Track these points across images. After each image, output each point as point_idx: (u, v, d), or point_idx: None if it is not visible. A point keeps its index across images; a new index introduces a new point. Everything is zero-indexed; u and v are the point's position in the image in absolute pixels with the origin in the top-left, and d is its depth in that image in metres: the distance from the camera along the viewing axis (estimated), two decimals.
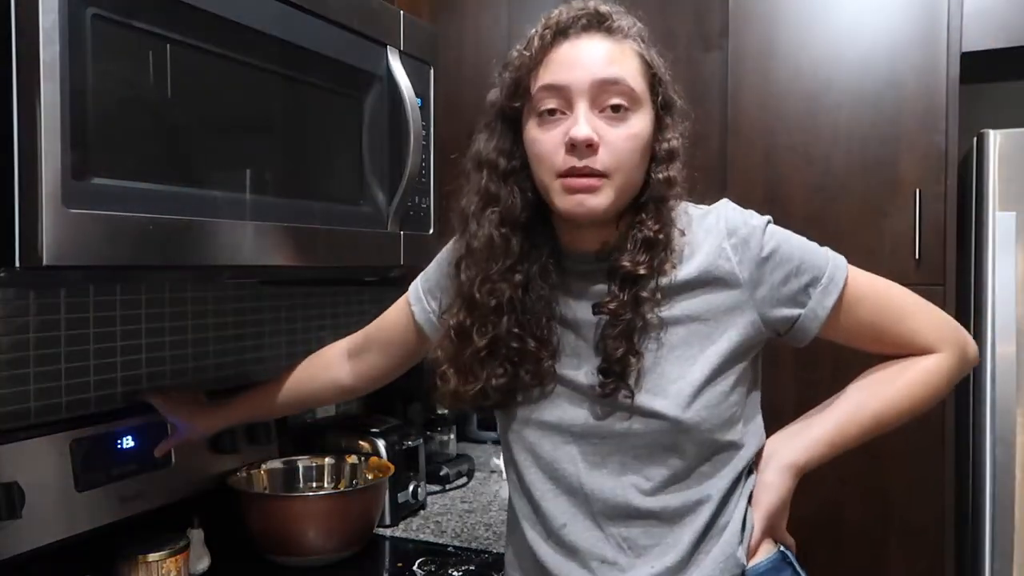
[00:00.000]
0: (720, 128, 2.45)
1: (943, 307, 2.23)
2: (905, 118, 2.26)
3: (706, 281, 1.20)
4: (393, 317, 1.58)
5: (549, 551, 1.29)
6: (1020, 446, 2.14)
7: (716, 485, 1.23)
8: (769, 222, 1.24)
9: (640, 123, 1.20)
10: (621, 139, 1.17)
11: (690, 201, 1.30)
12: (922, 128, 2.23)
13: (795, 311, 1.23)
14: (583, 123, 1.16)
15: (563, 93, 1.18)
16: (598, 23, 1.21)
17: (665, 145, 1.23)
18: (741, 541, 1.23)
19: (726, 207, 1.26)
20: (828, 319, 1.24)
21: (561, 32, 1.20)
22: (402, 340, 1.56)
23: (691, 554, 1.21)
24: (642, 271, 1.18)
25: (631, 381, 1.18)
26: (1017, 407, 2.13)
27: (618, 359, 1.18)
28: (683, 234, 1.22)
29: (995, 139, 2.14)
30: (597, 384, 1.20)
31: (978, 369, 2.14)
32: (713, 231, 1.22)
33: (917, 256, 2.18)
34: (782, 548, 1.29)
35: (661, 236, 1.20)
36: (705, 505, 1.22)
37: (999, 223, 2.13)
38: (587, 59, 1.18)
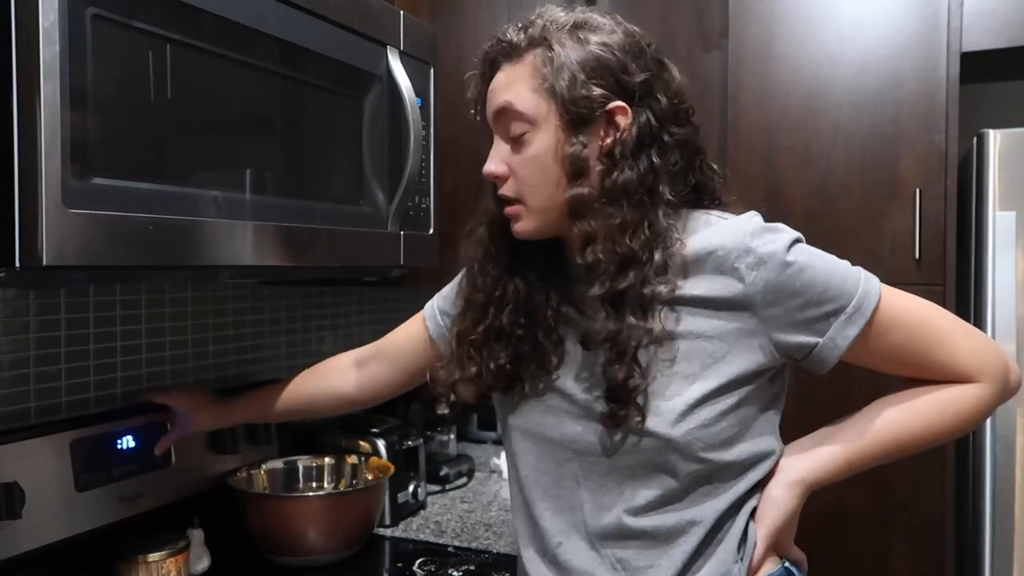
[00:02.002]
0: (720, 128, 2.45)
1: (943, 307, 2.24)
2: (905, 118, 2.26)
3: (714, 300, 1.15)
4: (407, 332, 1.60)
5: (545, 571, 1.28)
6: (1020, 446, 2.14)
7: (712, 506, 1.19)
8: (797, 241, 1.17)
9: (540, 142, 1.19)
10: (522, 165, 1.21)
11: (712, 207, 1.27)
12: (922, 128, 2.23)
13: (812, 339, 1.16)
14: (489, 159, 1.24)
15: (489, 129, 1.26)
16: (504, 54, 1.23)
17: (567, 156, 1.17)
18: (738, 559, 1.19)
19: (749, 221, 1.18)
20: (849, 349, 1.16)
21: (489, 66, 1.25)
22: (414, 355, 1.56)
23: (682, 574, 1.19)
24: (597, 291, 1.16)
25: (640, 403, 1.14)
26: (1017, 407, 2.13)
27: (620, 384, 1.14)
28: (670, 246, 1.16)
29: (995, 139, 2.14)
30: (607, 412, 1.17)
31: None
32: (728, 246, 1.15)
33: (917, 256, 2.18)
34: (786, 564, 1.24)
35: (603, 256, 1.15)
36: (698, 526, 1.19)
37: (999, 223, 2.13)
38: (491, 95, 1.24)
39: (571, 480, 1.25)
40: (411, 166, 1.63)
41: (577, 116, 1.16)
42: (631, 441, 1.17)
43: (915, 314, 1.21)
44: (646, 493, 1.19)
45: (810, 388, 2.09)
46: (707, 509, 1.19)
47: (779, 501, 1.21)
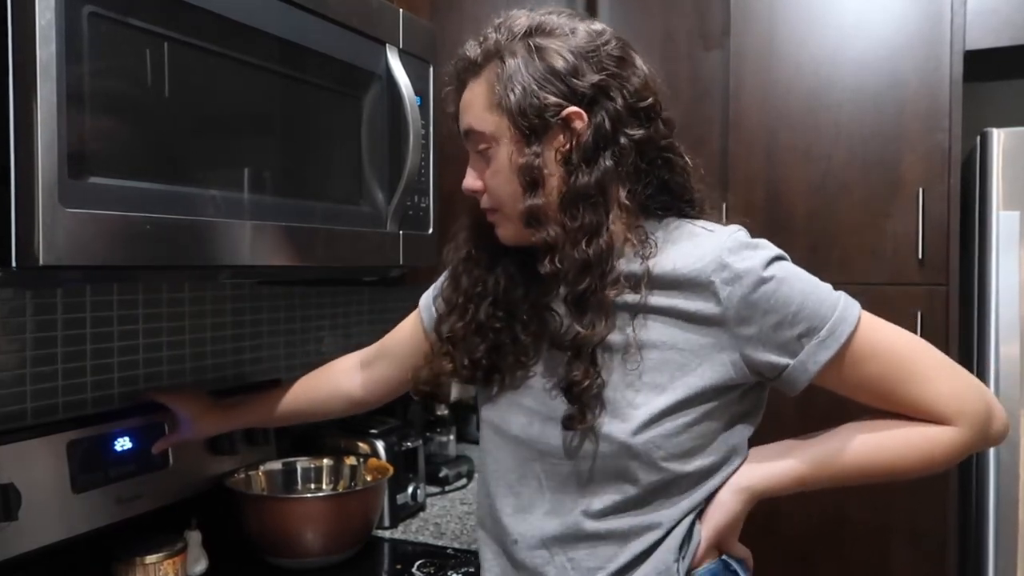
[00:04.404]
0: (721, 127, 2.45)
1: (946, 307, 2.25)
2: (907, 117, 2.25)
3: (688, 313, 1.15)
4: (406, 329, 1.60)
5: (502, 567, 1.31)
6: None
7: (668, 514, 1.20)
8: (777, 258, 1.16)
9: (501, 157, 1.20)
10: (490, 179, 1.23)
11: (701, 215, 1.27)
12: (925, 127, 2.23)
13: (783, 360, 1.14)
14: (467, 175, 1.27)
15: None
16: (465, 71, 1.25)
17: (520, 168, 1.18)
18: (679, 557, 1.19)
19: (730, 237, 1.17)
20: (820, 373, 1.15)
21: (457, 82, 1.27)
22: (414, 351, 1.55)
23: (622, 572, 1.20)
24: (561, 293, 1.18)
25: (591, 406, 1.16)
26: (1021, 408, 2.12)
27: (575, 383, 1.16)
28: (645, 255, 1.16)
29: (998, 138, 2.13)
30: (566, 413, 1.18)
31: (982, 370, 2.14)
32: (706, 259, 1.14)
33: (920, 256, 2.18)
34: (724, 557, 1.25)
35: (562, 264, 1.15)
36: (653, 531, 1.20)
37: (1002, 222, 2.12)
38: (460, 115, 1.26)
39: (533, 480, 1.26)
40: (410, 165, 1.62)
41: (530, 127, 1.17)
42: (591, 446, 1.19)
43: (895, 347, 1.18)
44: (605, 498, 1.21)
45: (811, 390, 2.08)
46: (663, 516, 1.20)
47: (725, 504, 1.21)
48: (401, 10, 1.67)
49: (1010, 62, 2.44)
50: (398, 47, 1.65)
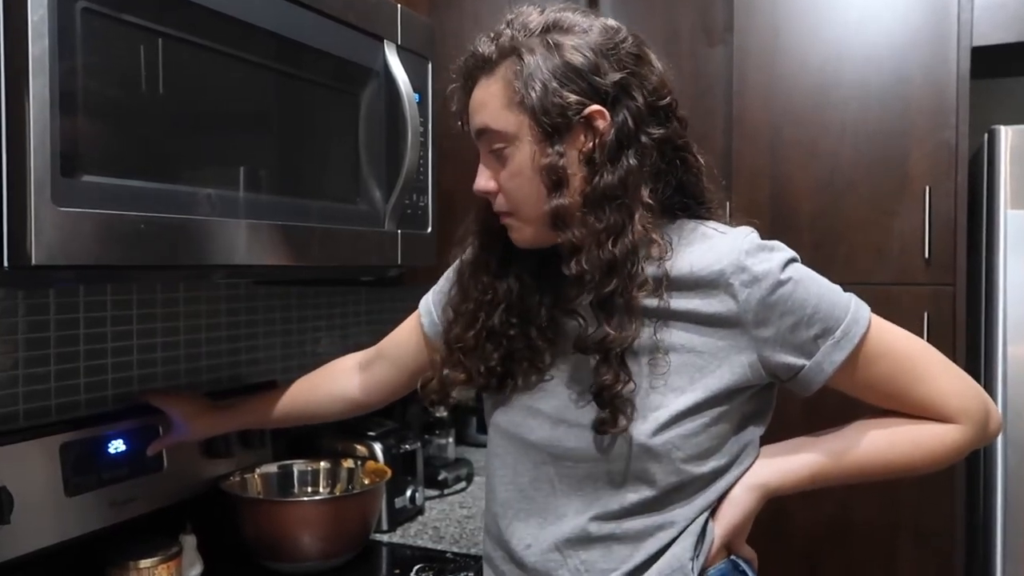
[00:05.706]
0: (725, 124, 2.43)
1: (953, 307, 2.23)
2: (914, 114, 2.23)
3: (707, 315, 1.15)
4: (405, 331, 1.58)
5: (511, 572, 1.29)
6: None
7: (683, 513, 1.20)
8: (792, 260, 1.17)
9: (520, 157, 1.18)
10: (507, 180, 1.21)
11: (712, 217, 1.26)
12: (931, 124, 2.21)
13: (799, 361, 1.16)
14: (478, 175, 1.24)
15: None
16: (478, 68, 1.22)
17: (543, 168, 1.16)
18: (694, 556, 1.20)
19: (745, 239, 1.17)
20: (835, 374, 1.17)
21: (467, 79, 1.24)
22: (413, 353, 1.55)
23: (638, 571, 1.20)
24: (587, 298, 1.15)
25: (623, 410, 1.15)
26: None
27: (606, 387, 1.14)
28: (661, 257, 1.15)
29: (1006, 135, 2.11)
30: (596, 416, 1.17)
31: (989, 371, 2.12)
32: (723, 261, 1.15)
33: (927, 255, 2.16)
34: (733, 558, 1.25)
35: (588, 266, 1.14)
36: (667, 530, 1.20)
37: (1010, 221, 2.11)
38: (471, 114, 1.23)
39: (546, 483, 1.25)
40: (408, 163, 1.61)
41: (552, 126, 1.15)
42: (611, 448, 1.18)
43: (903, 347, 1.22)
44: (621, 500, 1.20)
45: (819, 391, 2.06)
46: (679, 515, 1.20)
47: (739, 502, 1.23)
48: (399, 6, 1.66)
49: (1018, 58, 2.42)
50: (396, 43, 1.64)
